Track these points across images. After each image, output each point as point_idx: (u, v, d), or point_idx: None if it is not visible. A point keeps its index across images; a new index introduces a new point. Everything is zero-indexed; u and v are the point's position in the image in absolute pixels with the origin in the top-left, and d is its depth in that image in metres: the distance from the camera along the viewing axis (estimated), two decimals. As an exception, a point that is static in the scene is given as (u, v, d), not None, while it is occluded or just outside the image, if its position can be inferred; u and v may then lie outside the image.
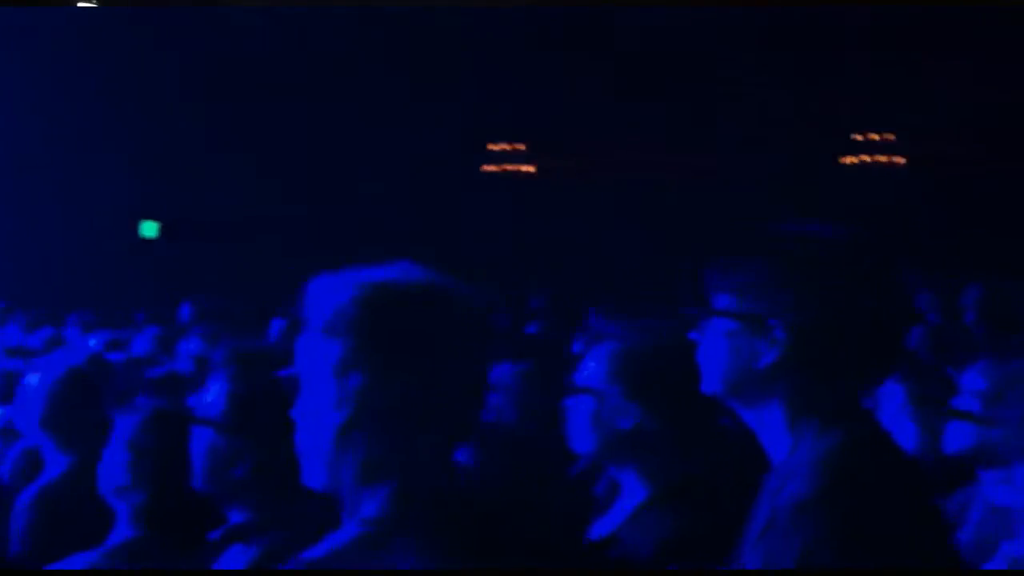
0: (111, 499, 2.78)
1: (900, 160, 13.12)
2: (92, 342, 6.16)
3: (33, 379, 3.55)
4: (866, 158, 13.29)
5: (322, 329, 1.80)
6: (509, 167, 13.61)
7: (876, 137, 13.20)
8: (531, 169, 13.65)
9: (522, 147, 13.60)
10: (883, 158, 13.23)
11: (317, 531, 1.81)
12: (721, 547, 2.15)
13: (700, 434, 2.50)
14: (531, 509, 2.71)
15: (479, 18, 11.71)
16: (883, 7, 11.27)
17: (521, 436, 3.30)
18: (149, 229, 14.11)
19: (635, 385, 2.52)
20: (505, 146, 13.65)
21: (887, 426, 2.36)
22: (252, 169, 12.99)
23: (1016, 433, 2.00)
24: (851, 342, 2.08)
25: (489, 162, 13.81)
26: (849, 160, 13.53)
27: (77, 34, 12.34)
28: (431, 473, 1.80)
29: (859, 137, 13.36)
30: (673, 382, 2.43)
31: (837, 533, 1.99)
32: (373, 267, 1.84)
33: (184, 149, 13.14)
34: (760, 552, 2.05)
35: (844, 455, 2.04)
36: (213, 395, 2.62)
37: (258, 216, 13.23)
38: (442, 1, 11.55)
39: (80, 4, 12.10)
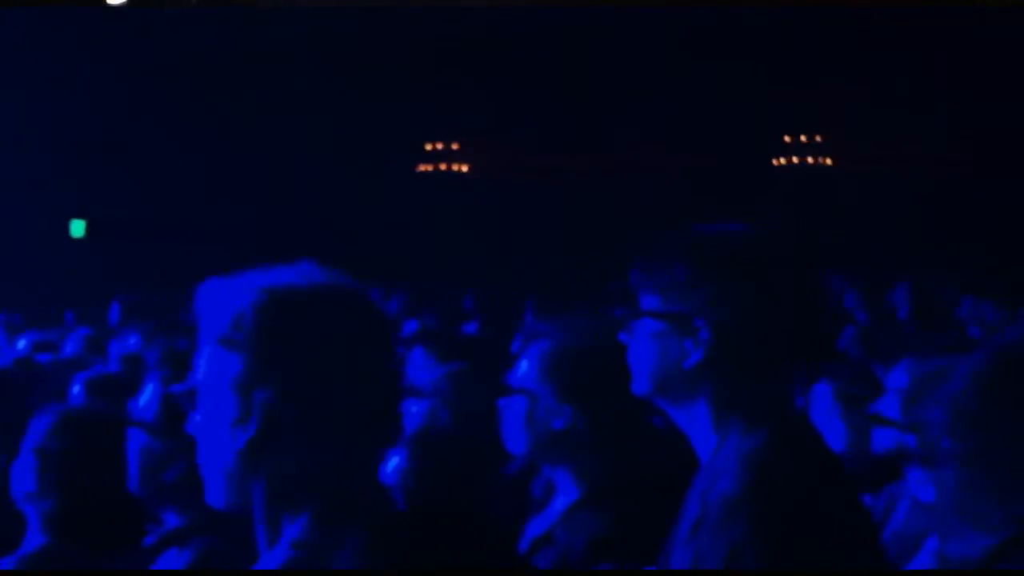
0: (21, 505, 2.73)
1: (829, 161, 13.34)
2: (21, 344, 6.06)
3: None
4: (795, 160, 13.49)
5: (219, 339, 1.69)
6: (444, 166, 13.62)
7: (804, 139, 13.41)
8: (465, 168, 13.66)
9: (456, 146, 13.61)
10: (812, 159, 13.44)
11: (250, 536, 1.77)
12: (652, 546, 2.18)
13: (631, 434, 2.53)
14: (466, 513, 2.71)
15: (414, 17, 11.70)
16: (810, 8, 11.42)
17: (456, 438, 3.31)
18: (77, 228, 13.88)
19: (566, 385, 2.54)
20: (439, 145, 13.65)
21: (817, 424, 2.41)
22: (182, 166, 12.84)
23: (936, 432, 2.05)
24: (776, 341, 2.11)
25: (424, 161, 13.79)
26: (779, 161, 13.72)
27: None
28: (355, 486, 1.71)
29: (788, 139, 13.55)
30: (604, 382, 2.45)
31: (763, 531, 2.03)
32: (269, 270, 1.73)
33: (113, 146, 12.96)
34: (691, 550, 2.09)
35: (769, 454, 2.08)
36: (146, 397, 2.59)
37: (187, 214, 13.09)
38: (374, 1, 11.51)
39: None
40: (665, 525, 2.16)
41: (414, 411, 3.33)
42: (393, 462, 2.83)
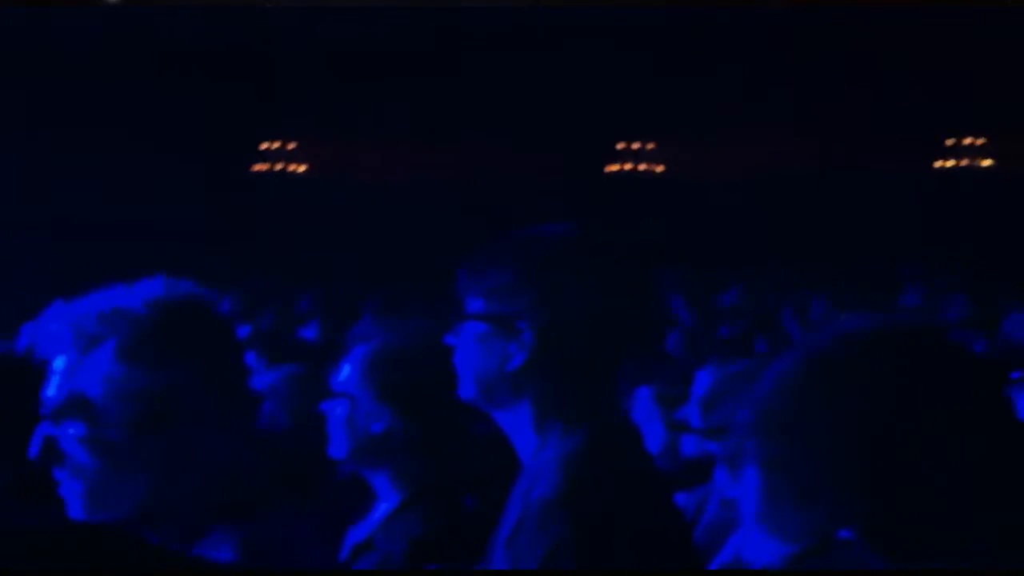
0: None
1: (660, 168, 13.62)
2: None
3: None
4: (629, 165, 13.72)
5: (78, 360, 1.76)
6: (279, 166, 13.38)
7: (637, 146, 13.66)
8: (303, 168, 13.45)
9: (294, 145, 13.40)
10: (646, 164, 13.70)
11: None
12: (474, 549, 2.18)
13: (451, 437, 2.53)
14: (292, 517, 2.67)
15: (250, 15, 11.48)
16: (627, 9, 11.56)
17: (291, 441, 3.26)
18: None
19: (385, 388, 2.53)
20: (276, 144, 13.42)
21: (638, 426, 2.44)
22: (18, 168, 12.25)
23: (740, 435, 2.11)
24: (599, 343, 2.13)
25: (259, 161, 13.53)
26: (615, 164, 13.93)
27: None
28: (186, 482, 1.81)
29: (622, 145, 13.79)
30: (423, 385, 2.44)
31: (579, 533, 2.05)
32: (121, 287, 1.80)
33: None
34: (510, 553, 2.10)
35: (586, 455, 2.10)
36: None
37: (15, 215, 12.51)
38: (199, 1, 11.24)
39: None
40: (486, 528, 2.17)
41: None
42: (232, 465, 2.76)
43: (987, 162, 12.77)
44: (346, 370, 2.58)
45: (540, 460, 2.14)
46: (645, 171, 13.72)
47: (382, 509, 2.54)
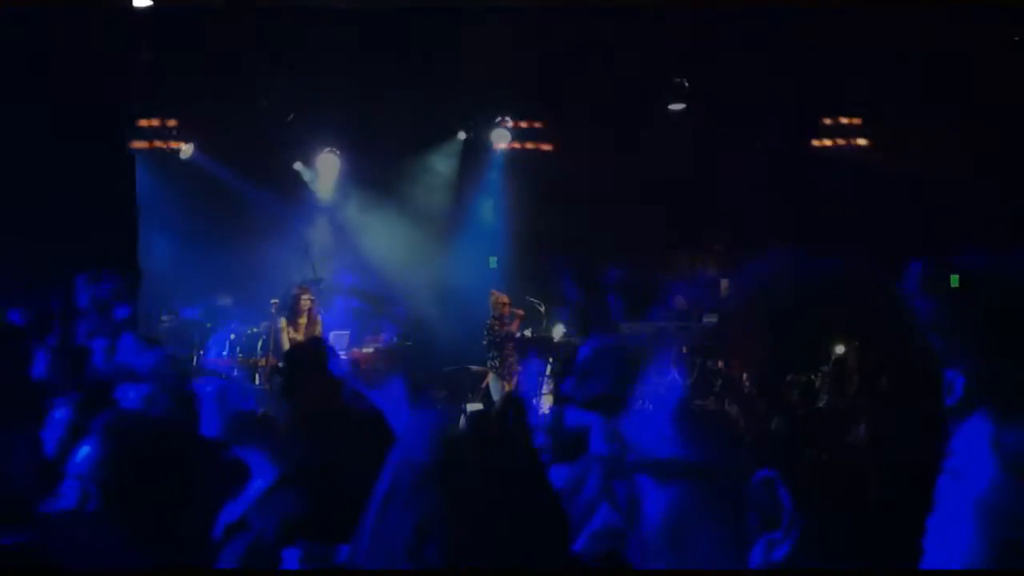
0: None
1: (548, 146, 13.65)
2: None
3: None
4: (517, 144, 13.73)
5: None
6: (159, 143, 13.08)
7: (525, 124, 13.67)
8: (181, 145, 13.20)
9: (173, 124, 13.11)
10: (532, 144, 13.71)
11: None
12: (347, 523, 2.17)
13: (326, 413, 2.51)
14: (171, 498, 2.62)
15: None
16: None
17: (156, 423, 3.18)
18: None
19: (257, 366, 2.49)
20: (155, 122, 13.10)
21: (527, 397, 2.44)
22: None
23: (609, 396, 2.13)
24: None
25: (139, 138, 13.20)
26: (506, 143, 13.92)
27: None
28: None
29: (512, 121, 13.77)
30: (296, 361, 2.42)
31: (452, 502, 2.05)
32: None
33: None
34: (384, 523, 2.09)
35: (461, 425, 2.11)
36: None
37: None
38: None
39: None
40: (360, 502, 2.15)
41: (131, 396, 3.19)
42: (83, 451, 2.69)
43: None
44: (216, 350, 2.54)
45: (413, 430, 2.14)
46: (534, 148, 13.73)
47: (256, 487, 2.51)
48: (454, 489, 2.05)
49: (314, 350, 2.10)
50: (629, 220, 12.66)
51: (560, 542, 2.37)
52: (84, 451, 2.72)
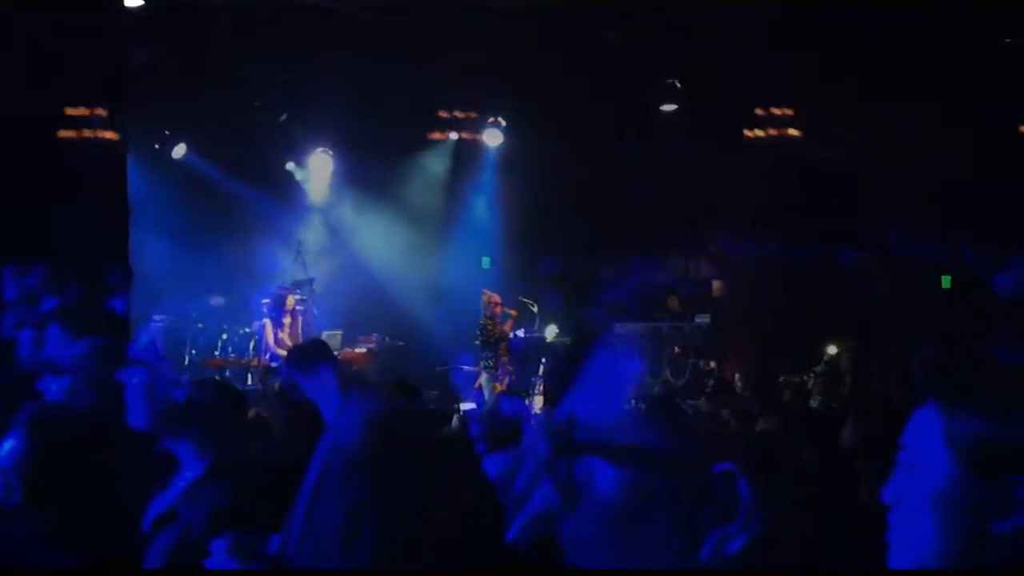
0: None
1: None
2: None
3: None
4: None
5: None
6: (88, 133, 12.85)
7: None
8: (111, 136, 12.98)
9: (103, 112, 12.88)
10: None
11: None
12: (277, 512, 2.14)
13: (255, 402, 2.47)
14: (96, 491, 2.57)
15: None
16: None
17: (81, 416, 3.12)
18: None
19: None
20: (84, 111, 12.87)
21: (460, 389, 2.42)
22: None
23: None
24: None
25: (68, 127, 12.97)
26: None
27: None
28: None
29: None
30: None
31: (380, 491, 2.03)
32: None
33: None
34: (314, 512, 2.06)
35: (389, 414, 2.09)
36: None
37: None
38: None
39: None
40: (290, 492, 2.13)
41: (54, 388, 3.12)
42: (6, 445, 2.63)
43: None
44: (144, 338, 2.50)
45: (344, 419, 2.12)
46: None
47: (184, 479, 2.46)
48: (384, 478, 2.03)
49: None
50: (622, 220, 12.69)
51: (492, 531, 2.36)
52: (7, 445, 2.67)
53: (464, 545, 2.20)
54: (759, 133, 11.75)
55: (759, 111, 11.65)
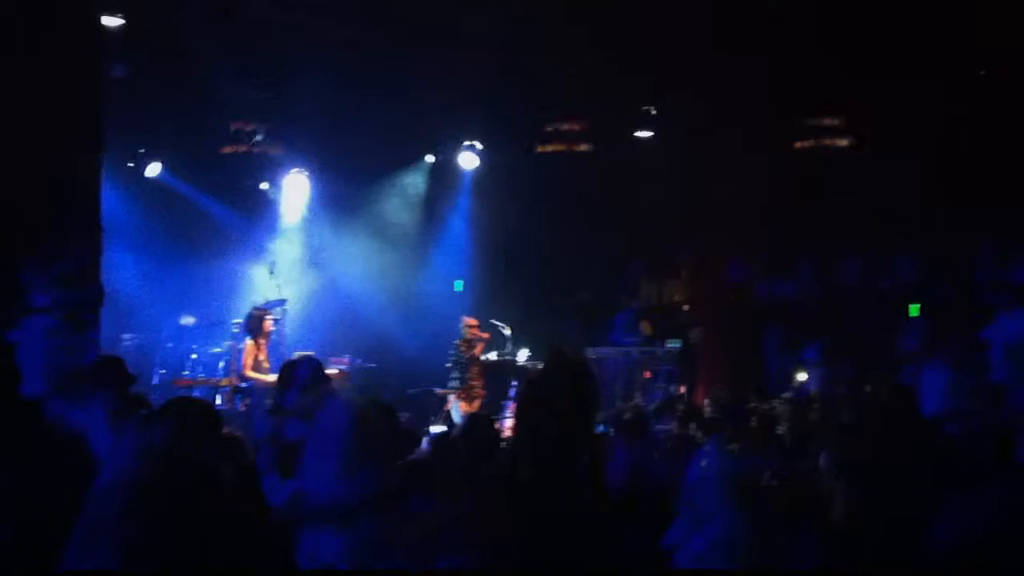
0: None
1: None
2: None
3: None
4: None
5: None
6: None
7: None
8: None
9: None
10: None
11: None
12: (52, 552, 2.11)
13: (18, 436, 2.43)
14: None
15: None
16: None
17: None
18: None
19: None
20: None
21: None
22: None
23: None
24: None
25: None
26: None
27: None
28: None
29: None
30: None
31: (158, 529, 2.01)
32: None
33: None
34: (93, 549, 2.04)
35: (161, 447, 2.07)
36: None
37: None
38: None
39: None
40: (65, 529, 2.10)
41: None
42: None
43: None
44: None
45: (119, 455, 2.09)
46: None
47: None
48: (159, 516, 1.99)
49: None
50: (598, 243, 12.66)
51: (271, 559, 2.33)
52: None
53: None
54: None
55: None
